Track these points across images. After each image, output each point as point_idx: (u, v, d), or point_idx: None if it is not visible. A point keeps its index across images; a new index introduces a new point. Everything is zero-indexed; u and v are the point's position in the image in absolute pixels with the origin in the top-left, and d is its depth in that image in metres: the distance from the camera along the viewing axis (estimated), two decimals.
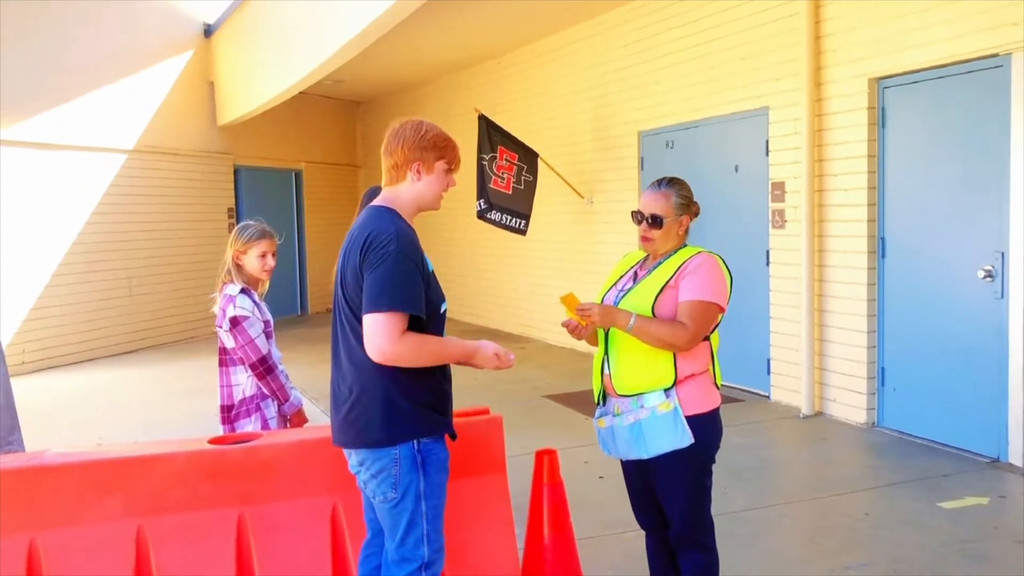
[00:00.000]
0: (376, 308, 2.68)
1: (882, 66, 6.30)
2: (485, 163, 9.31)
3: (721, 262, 3.19)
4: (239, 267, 4.12)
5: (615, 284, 3.36)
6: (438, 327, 2.90)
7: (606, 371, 3.26)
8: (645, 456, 3.14)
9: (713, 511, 3.27)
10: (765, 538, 4.60)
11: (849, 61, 6.55)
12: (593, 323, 3.11)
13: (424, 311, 2.75)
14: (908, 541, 4.46)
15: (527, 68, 11.21)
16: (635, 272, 3.33)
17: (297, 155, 14.94)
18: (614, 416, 3.24)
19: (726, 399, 7.64)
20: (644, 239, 3.26)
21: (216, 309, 4.16)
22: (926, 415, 6.18)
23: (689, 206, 3.26)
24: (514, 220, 9.52)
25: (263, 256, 4.12)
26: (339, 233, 2.86)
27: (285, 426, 4.23)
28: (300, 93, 12.25)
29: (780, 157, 7.24)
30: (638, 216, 3.27)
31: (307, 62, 9.21)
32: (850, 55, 6.53)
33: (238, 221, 13.57)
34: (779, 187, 7.26)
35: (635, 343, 3.10)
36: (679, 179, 3.31)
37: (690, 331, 3.03)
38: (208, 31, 12.77)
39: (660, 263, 3.23)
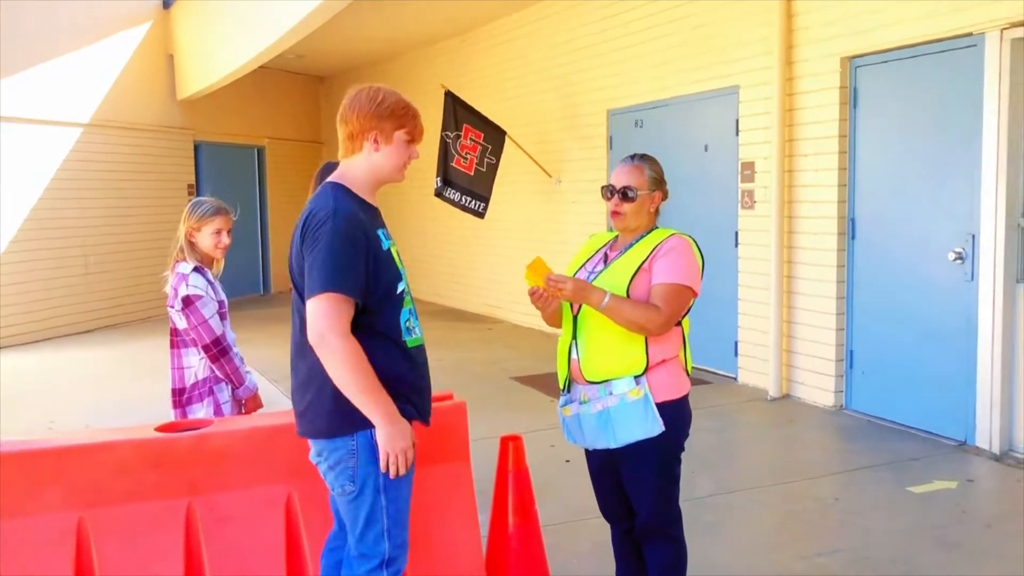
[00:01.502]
0: (315, 292, 2.53)
1: (854, 45, 6.21)
2: (449, 141, 9.13)
3: (694, 245, 3.08)
4: (192, 245, 3.95)
5: (583, 266, 3.23)
6: (394, 308, 2.70)
7: (573, 356, 3.14)
8: (613, 445, 3.03)
9: (680, 498, 3.17)
10: (733, 525, 4.52)
11: (821, 39, 6.45)
12: (564, 297, 2.97)
13: (363, 296, 2.58)
14: (878, 526, 4.41)
15: (494, 44, 11.02)
16: (605, 254, 3.20)
17: (260, 131, 14.63)
18: (580, 404, 3.12)
19: (693, 381, 7.56)
20: (615, 213, 3.13)
21: (168, 288, 3.99)
22: (894, 398, 6.15)
23: (661, 183, 3.15)
24: (473, 202, 9.37)
25: (218, 233, 3.95)
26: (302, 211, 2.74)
27: (240, 411, 4.08)
28: (262, 68, 11.95)
29: (750, 137, 7.14)
30: (609, 190, 3.14)
31: (268, 34, 8.95)
32: (822, 33, 6.43)
33: (198, 197, 13.26)
34: (749, 167, 7.17)
35: (607, 326, 2.98)
36: (651, 156, 3.19)
37: (664, 314, 2.91)
38: (167, 2, 12.40)
39: (632, 244, 3.10)
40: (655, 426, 2.96)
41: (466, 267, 12.16)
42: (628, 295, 2.97)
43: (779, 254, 6.80)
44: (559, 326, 3.23)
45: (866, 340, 6.36)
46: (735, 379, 7.47)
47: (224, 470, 3.14)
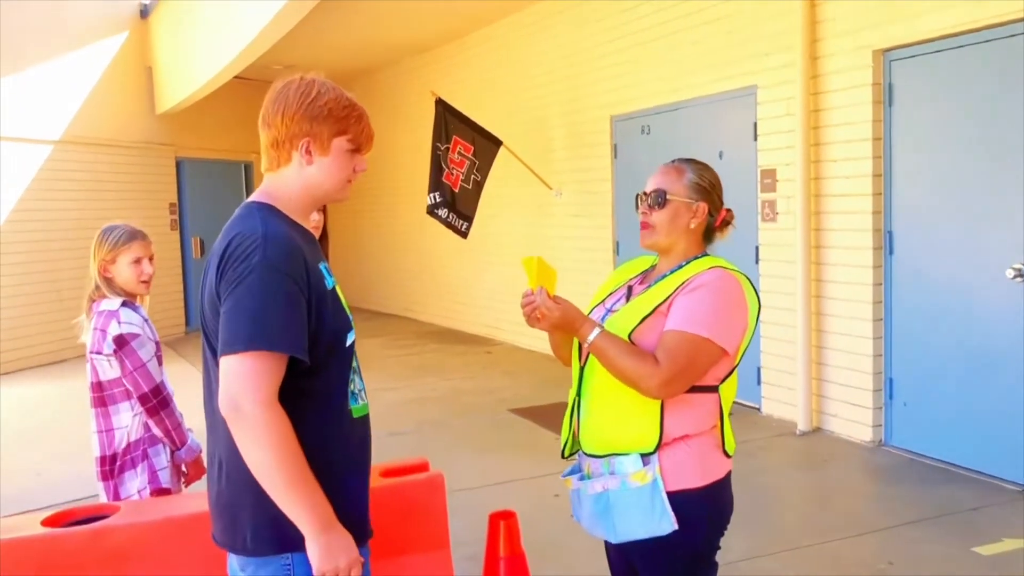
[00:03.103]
0: (232, 348, 1.83)
1: (889, 36, 5.52)
2: (440, 154, 8.46)
3: (744, 284, 2.32)
4: (109, 280, 3.28)
5: (603, 300, 2.53)
6: (341, 367, 2.03)
7: (576, 418, 2.45)
8: (613, 540, 2.33)
9: None
10: None
11: (850, 31, 5.76)
12: (549, 324, 2.26)
13: (306, 350, 1.90)
14: None
15: (490, 50, 10.36)
16: (630, 287, 2.50)
17: (247, 146, 13.91)
18: (582, 477, 2.43)
19: None
20: (642, 226, 2.42)
21: (87, 335, 3.30)
22: (942, 434, 5.43)
23: (708, 194, 2.43)
24: (458, 220, 8.70)
25: (137, 263, 3.29)
26: None
27: (180, 478, 3.40)
28: (248, 80, 11.34)
29: (770, 141, 6.45)
30: (639, 197, 2.45)
31: (240, 39, 8.29)
32: (852, 24, 5.75)
33: (181, 218, 12.62)
34: (769, 175, 6.47)
35: (614, 386, 2.27)
36: (701, 162, 2.48)
37: (663, 373, 2.16)
38: (144, 11, 11.79)
39: (664, 276, 2.38)
40: (663, 523, 2.24)
41: (464, 285, 11.48)
42: (631, 342, 2.26)
43: (806, 271, 6.10)
44: (569, 362, 2.53)
45: (908, 367, 5.64)
46: (758, 409, 6.76)
47: (130, 574, 2.45)
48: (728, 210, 2.46)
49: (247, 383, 1.82)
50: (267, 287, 1.86)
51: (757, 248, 6.63)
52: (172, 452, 3.34)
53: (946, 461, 5.38)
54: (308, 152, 2.03)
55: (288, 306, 1.87)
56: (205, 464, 3.38)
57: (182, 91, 10.97)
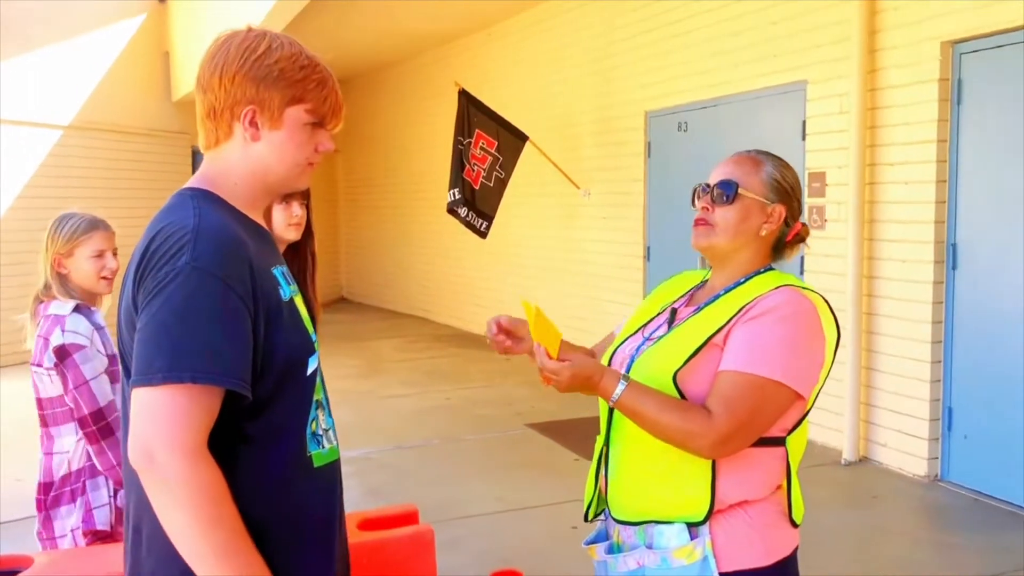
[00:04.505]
0: (146, 378, 1.39)
1: (960, 25, 4.95)
2: (462, 148, 7.98)
3: (821, 307, 1.83)
4: (63, 278, 2.82)
5: (642, 327, 1.99)
6: (299, 402, 1.57)
7: (603, 472, 1.94)
8: None
9: None
10: None
11: (915, 21, 5.20)
12: (561, 387, 1.76)
13: (248, 381, 1.44)
14: None
15: (518, 40, 9.86)
16: (675, 309, 1.97)
17: None
18: (611, 548, 1.92)
19: None
20: (698, 223, 1.89)
21: (31, 341, 2.85)
22: (1009, 471, 4.85)
23: (791, 200, 1.91)
24: (477, 220, 8.20)
25: (99, 256, 2.84)
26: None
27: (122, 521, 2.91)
28: None
29: (821, 142, 5.89)
30: (701, 190, 1.92)
31: (251, 21, 7.87)
32: (916, 13, 5.18)
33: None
34: (818, 179, 5.92)
35: (649, 438, 1.76)
36: (783, 158, 1.95)
37: (719, 429, 1.67)
38: None
39: (718, 296, 1.87)
40: None
41: (485, 287, 10.99)
42: (676, 385, 1.75)
43: (857, 286, 5.55)
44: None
45: (970, 396, 5.08)
46: None
47: None
48: (804, 224, 1.95)
49: (163, 425, 1.39)
50: (195, 297, 1.42)
51: (802, 258, 6.08)
52: (115, 490, 2.85)
53: (1014, 503, 4.81)
54: (253, 124, 1.59)
55: (223, 323, 1.43)
56: None
57: None
